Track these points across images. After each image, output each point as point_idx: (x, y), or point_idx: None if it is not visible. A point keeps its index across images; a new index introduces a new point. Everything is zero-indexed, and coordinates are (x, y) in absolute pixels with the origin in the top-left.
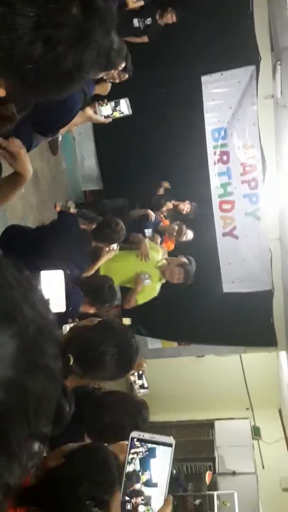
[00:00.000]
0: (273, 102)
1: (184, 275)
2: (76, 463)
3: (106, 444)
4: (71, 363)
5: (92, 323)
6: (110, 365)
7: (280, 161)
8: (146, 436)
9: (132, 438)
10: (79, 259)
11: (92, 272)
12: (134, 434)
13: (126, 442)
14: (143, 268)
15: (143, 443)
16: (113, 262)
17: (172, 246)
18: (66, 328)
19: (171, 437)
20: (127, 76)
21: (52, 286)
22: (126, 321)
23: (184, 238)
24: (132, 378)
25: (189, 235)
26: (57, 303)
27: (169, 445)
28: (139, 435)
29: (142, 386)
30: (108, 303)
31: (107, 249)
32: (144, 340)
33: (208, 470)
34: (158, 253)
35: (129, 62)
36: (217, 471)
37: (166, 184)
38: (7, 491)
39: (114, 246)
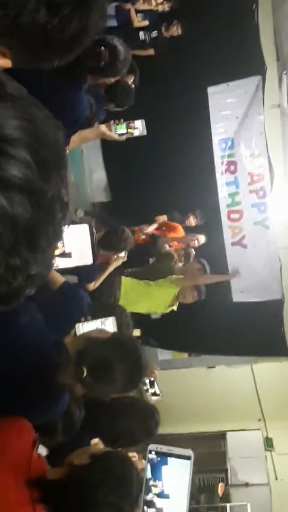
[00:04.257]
0: (280, 112)
1: (197, 293)
2: (101, 467)
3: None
4: (84, 375)
5: (101, 334)
6: (119, 381)
7: None
8: (164, 449)
9: (150, 451)
10: (88, 268)
11: (100, 281)
12: (152, 447)
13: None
14: (157, 308)
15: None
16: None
17: (180, 232)
18: (79, 328)
19: (190, 449)
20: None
21: (78, 239)
22: (137, 332)
23: (196, 245)
24: (144, 386)
25: (201, 239)
26: (84, 256)
27: (187, 457)
28: (157, 448)
29: (154, 394)
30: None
31: (115, 256)
32: (154, 351)
33: (221, 482)
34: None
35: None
36: (229, 482)
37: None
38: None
39: (122, 254)
